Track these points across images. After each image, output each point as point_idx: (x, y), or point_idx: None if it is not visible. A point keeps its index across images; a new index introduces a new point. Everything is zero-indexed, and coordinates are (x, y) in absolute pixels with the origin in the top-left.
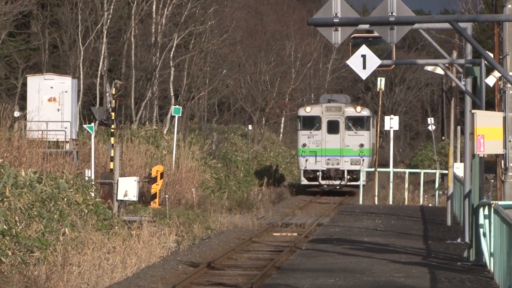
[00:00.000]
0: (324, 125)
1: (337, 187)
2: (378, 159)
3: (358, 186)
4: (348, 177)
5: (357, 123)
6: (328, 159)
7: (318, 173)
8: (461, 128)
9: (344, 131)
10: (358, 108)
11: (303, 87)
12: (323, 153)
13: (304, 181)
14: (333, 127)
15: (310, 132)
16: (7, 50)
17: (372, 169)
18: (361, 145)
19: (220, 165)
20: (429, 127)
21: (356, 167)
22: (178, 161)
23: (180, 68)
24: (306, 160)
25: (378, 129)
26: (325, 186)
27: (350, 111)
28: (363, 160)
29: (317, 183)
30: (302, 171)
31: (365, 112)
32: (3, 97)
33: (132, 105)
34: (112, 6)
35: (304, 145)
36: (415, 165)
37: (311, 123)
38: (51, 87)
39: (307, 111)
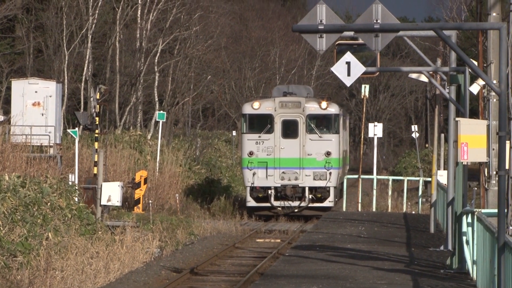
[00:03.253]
0: (278, 127)
1: (296, 210)
2: (362, 166)
3: (324, 209)
4: (311, 196)
5: (323, 123)
6: (283, 173)
7: (269, 192)
8: (444, 136)
9: (304, 134)
10: (324, 104)
11: None
12: (277, 164)
13: (251, 202)
14: (290, 129)
15: (259, 136)
16: None
17: (356, 176)
18: (328, 153)
19: (204, 171)
20: (413, 135)
21: (321, 183)
22: (162, 167)
23: (164, 73)
24: (254, 174)
25: (361, 135)
26: (279, 209)
27: (313, 107)
28: (330, 173)
29: (268, 204)
30: (248, 189)
31: (333, 109)
32: None
33: (116, 110)
34: (97, 11)
35: (251, 153)
36: (399, 172)
37: (261, 123)
38: (36, 92)
39: (255, 107)
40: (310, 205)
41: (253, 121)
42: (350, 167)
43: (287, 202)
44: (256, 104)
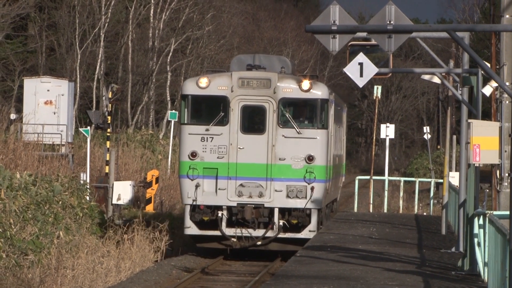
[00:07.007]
0: (236, 115)
1: (258, 243)
2: (373, 167)
3: (300, 241)
4: (282, 222)
5: (303, 113)
6: (242, 186)
7: (220, 214)
8: (456, 137)
9: (275, 128)
10: (306, 84)
11: None
12: (232, 172)
13: (192, 229)
14: (253, 121)
15: (207, 129)
16: (4, 52)
17: (367, 177)
18: (310, 158)
19: None
20: (425, 136)
21: (298, 203)
22: (173, 166)
23: (177, 73)
24: (197, 187)
25: (373, 136)
26: (234, 240)
27: (289, 88)
28: (311, 188)
29: (217, 233)
30: (187, 209)
31: (319, 92)
32: None
33: (128, 109)
34: (109, 10)
35: (194, 155)
36: (410, 173)
37: (210, 110)
38: (48, 90)
39: (202, 85)
40: (281, 235)
41: (198, 106)
42: (361, 168)
43: (246, 230)
44: (203, 81)
